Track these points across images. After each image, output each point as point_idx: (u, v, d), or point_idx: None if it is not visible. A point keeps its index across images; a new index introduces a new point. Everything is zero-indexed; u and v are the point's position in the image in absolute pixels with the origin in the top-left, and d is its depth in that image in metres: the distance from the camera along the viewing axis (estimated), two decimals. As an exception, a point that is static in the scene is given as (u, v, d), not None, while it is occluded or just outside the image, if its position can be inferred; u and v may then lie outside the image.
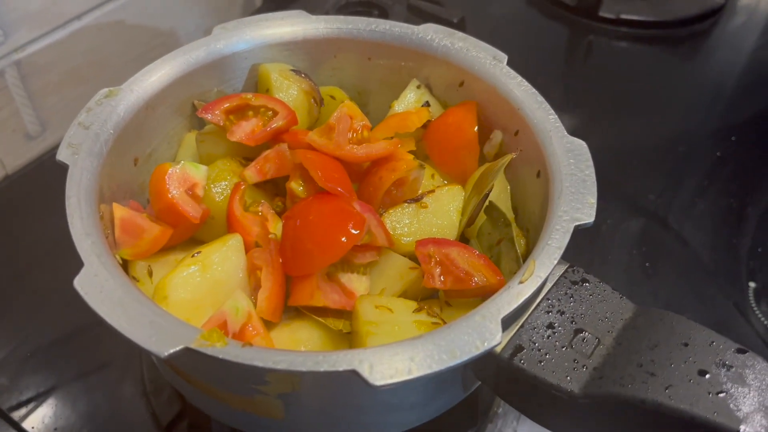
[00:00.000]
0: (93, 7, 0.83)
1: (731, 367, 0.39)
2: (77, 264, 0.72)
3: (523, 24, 1.11)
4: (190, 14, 0.97)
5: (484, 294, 0.50)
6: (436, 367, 0.38)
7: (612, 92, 0.99)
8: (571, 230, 0.45)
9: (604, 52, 1.06)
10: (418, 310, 0.48)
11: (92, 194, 0.47)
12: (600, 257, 0.76)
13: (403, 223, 0.54)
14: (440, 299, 0.52)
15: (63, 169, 0.79)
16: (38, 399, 0.63)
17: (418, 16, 0.96)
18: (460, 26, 0.94)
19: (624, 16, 1.06)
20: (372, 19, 0.62)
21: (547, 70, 1.02)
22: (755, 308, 0.71)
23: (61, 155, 0.49)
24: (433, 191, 0.55)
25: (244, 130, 0.55)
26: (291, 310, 0.51)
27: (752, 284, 0.73)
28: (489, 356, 0.41)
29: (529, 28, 1.10)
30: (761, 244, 0.77)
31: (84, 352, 0.66)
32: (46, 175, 0.84)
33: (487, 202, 0.53)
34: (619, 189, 0.84)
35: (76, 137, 0.50)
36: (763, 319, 0.69)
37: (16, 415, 0.61)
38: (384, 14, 0.96)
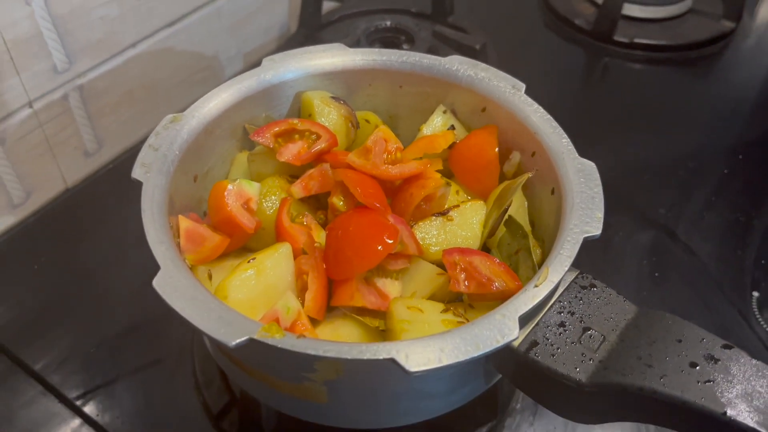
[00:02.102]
0: (146, 36, 0.91)
1: (718, 360, 0.44)
2: (133, 268, 0.79)
3: (542, 47, 1.17)
4: (232, 40, 1.05)
5: (503, 297, 0.56)
6: (462, 357, 0.44)
7: (627, 111, 1.05)
8: (581, 241, 0.52)
9: (619, 73, 1.12)
10: (445, 311, 0.54)
11: (163, 207, 0.54)
12: (612, 266, 0.82)
13: (432, 234, 0.60)
14: (464, 302, 0.58)
15: (116, 182, 0.86)
16: (97, 389, 0.69)
17: (443, 42, 1.02)
18: (483, 52, 1.01)
19: (638, 40, 1.12)
20: (403, 52, 0.69)
21: (566, 90, 1.08)
22: (758, 316, 0.76)
23: (136, 173, 0.56)
24: (458, 206, 0.61)
25: (291, 152, 0.62)
26: (332, 310, 0.57)
27: (755, 294, 0.78)
28: (507, 350, 0.47)
29: (548, 50, 1.16)
30: (765, 256, 0.82)
31: (139, 348, 0.73)
32: (102, 189, 0.91)
33: (506, 216, 0.59)
34: (631, 203, 0.89)
35: (147, 158, 0.57)
36: (765, 325, 0.75)
37: (79, 402, 0.68)
38: (411, 40, 1.03)
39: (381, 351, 0.44)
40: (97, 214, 0.88)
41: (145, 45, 0.91)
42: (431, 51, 1.01)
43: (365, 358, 0.44)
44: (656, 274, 0.81)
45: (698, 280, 0.80)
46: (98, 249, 0.83)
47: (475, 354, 0.44)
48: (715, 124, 1.03)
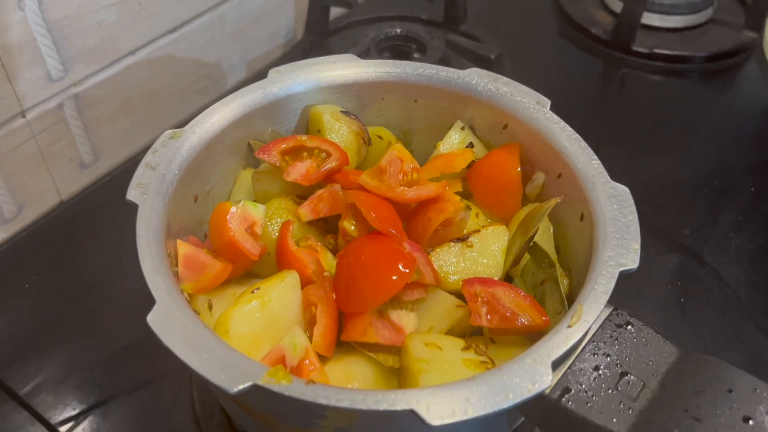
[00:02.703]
0: (146, 43, 0.87)
1: (775, 414, 0.40)
2: (129, 286, 0.75)
3: (558, 57, 1.13)
4: (234, 48, 1.01)
5: (528, 333, 0.52)
6: (490, 409, 0.40)
7: (646, 125, 1.00)
8: (617, 275, 0.47)
9: (637, 84, 1.08)
10: (466, 348, 0.50)
11: (160, 232, 0.50)
12: (635, 291, 0.77)
13: (450, 262, 0.56)
14: (485, 336, 0.54)
15: (113, 195, 0.82)
16: (87, 416, 0.65)
17: (456, 52, 0.98)
18: (498, 62, 0.97)
19: (657, 51, 1.08)
20: (419, 64, 0.64)
21: (581, 102, 1.04)
22: (793, 347, 0.71)
23: (131, 195, 0.52)
24: (478, 231, 0.57)
25: (299, 171, 0.58)
26: (342, 344, 0.53)
27: (790, 324, 0.74)
28: (538, 398, 0.43)
29: (564, 61, 1.12)
30: (799, 283, 0.78)
31: (134, 375, 0.69)
32: (98, 202, 0.87)
33: (531, 243, 0.55)
34: (654, 223, 0.84)
35: (144, 177, 0.53)
36: (801, 359, 0.70)
37: (64, 429, 0.64)
38: (422, 49, 0.99)
39: (399, 401, 0.40)
40: (93, 228, 0.84)
41: (144, 52, 0.88)
42: (444, 61, 0.97)
43: (382, 409, 0.39)
44: (682, 300, 0.76)
45: (728, 308, 0.76)
46: (94, 266, 0.79)
47: (505, 405, 0.40)
48: (741, 139, 0.98)
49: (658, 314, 0.75)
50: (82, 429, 0.64)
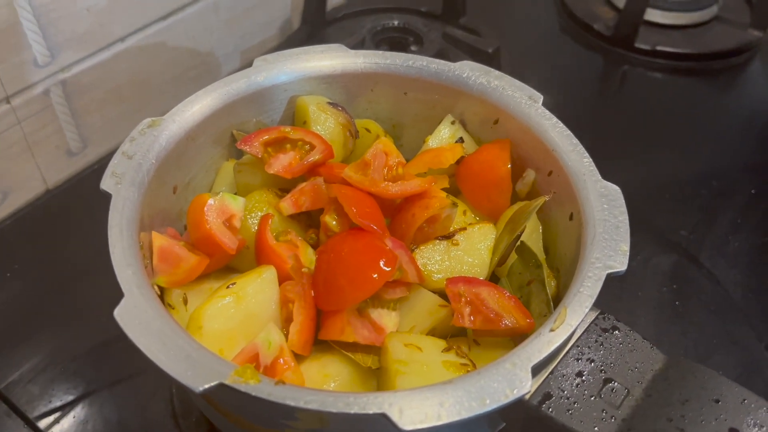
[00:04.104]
0: (137, 29, 0.86)
1: (763, 426, 0.38)
2: (114, 278, 0.74)
3: (558, 53, 1.11)
4: (229, 36, 0.99)
5: (513, 335, 0.51)
6: (465, 414, 0.38)
7: (646, 123, 0.99)
8: (604, 278, 0.45)
9: (638, 82, 1.06)
10: (447, 350, 0.48)
11: (133, 223, 0.49)
12: (629, 293, 0.76)
13: (434, 260, 0.54)
14: (468, 337, 0.52)
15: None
16: (66, 410, 0.64)
17: (454, 45, 0.96)
18: (495, 56, 0.95)
19: (660, 48, 1.06)
20: (409, 55, 0.63)
21: (581, 99, 1.02)
22: (788, 353, 0.70)
23: (105, 184, 0.50)
24: (464, 229, 0.55)
25: (282, 163, 0.56)
26: (319, 343, 0.51)
27: (786, 328, 0.72)
28: (517, 403, 0.41)
29: (564, 57, 1.10)
30: (797, 286, 0.76)
31: (113, 368, 0.67)
32: (86, 191, 0.86)
33: (518, 243, 0.53)
34: (651, 223, 0.83)
35: (119, 166, 0.52)
36: (796, 365, 0.68)
37: (43, 423, 0.63)
38: (419, 42, 0.97)
39: (371, 404, 0.38)
40: (79, 218, 0.82)
41: (135, 39, 0.86)
42: (440, 53, 0.95)
43: (352, 412, 0.38)
44: (677, 303, 0.75)
45: (723, 310, 0.74)
46: (78, 256, 0.78)
47: (481, 411, 0.38)
48: (741, 139, 0.96)
49: (650, 317, 0.73)
50: (59, 422, 0.63)
